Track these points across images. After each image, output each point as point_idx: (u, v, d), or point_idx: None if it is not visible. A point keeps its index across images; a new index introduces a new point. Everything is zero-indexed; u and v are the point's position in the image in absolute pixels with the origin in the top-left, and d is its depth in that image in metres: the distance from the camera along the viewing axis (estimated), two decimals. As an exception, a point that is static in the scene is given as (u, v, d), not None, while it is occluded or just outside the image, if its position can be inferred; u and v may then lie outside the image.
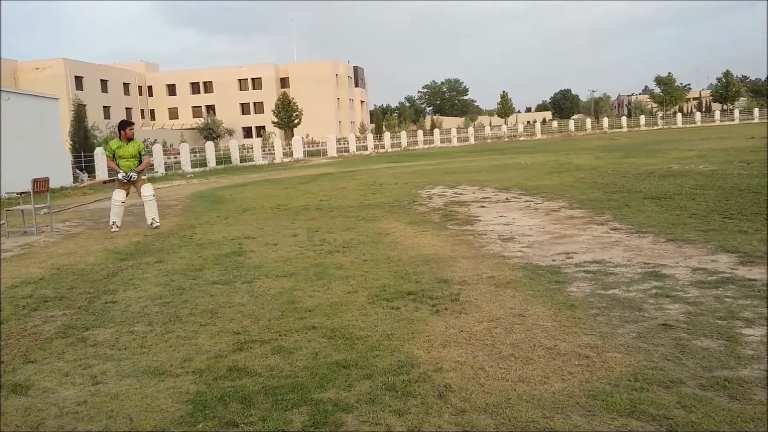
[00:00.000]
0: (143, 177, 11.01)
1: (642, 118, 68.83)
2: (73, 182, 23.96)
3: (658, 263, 5.87)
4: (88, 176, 26.00)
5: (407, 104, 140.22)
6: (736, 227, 7.27)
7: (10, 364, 4.13)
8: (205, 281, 6.22)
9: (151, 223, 10.53)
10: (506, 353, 3.82)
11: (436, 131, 59.22)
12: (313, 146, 51.59)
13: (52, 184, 12.65)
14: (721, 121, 67.17)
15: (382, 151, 48.82)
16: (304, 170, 27.55)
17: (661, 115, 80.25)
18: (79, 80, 64.72)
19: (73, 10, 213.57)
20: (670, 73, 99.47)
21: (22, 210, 11.11)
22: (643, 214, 8.68)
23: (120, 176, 10.58)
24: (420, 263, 6.48)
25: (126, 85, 74.91)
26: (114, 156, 10.65)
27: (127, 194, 10.69)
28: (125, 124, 10.85)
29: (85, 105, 33.05)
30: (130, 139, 10.68)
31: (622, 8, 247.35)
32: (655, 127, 63.66)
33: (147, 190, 10.64)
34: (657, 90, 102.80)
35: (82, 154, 27.52)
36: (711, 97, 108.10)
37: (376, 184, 16.37)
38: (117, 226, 10.47)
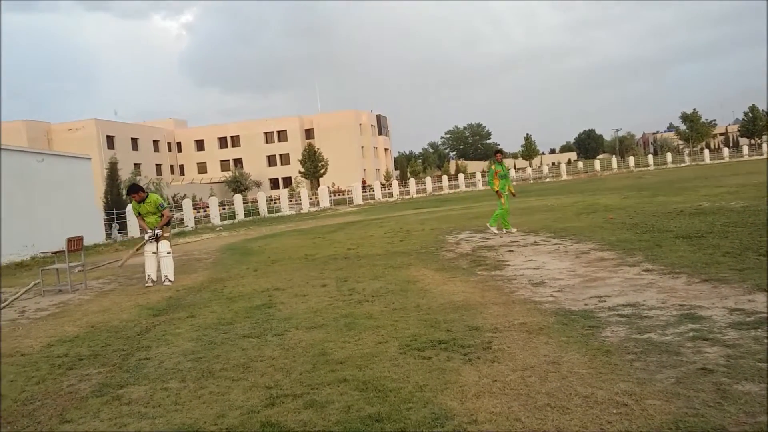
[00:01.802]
0: (167, 234, 11.14)
1: (669, 156, 68.28)
2: (106, 239, 24.42)
3: (694, 305, 5.77)
4: (120, 233, 26.48)
5: (431, 150, 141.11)
6: (773, 265, 7.12)
7: (47, 424, 4.17)
8: (237, 335, 6.25)
9: (164, 280, 10.64)
10: (542, 403, 3.76)
11: (461, 176, 59.37)
12: (339, 195, 52.03)
13: (86, 242, 12.91)
14: (749, 155, 66.31)
15: (407, 197, 49.02)
16: (331, 219, 27.73)
17: (687, 152, 79.49)
18: (110, 139, 66.66)
19: (104, 74, 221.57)
20: (695, 109, 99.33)
21: (57, 269, 11.34)
22: (675, 254, 8.55)
23: (147, 236, 10.85)
24: (450, 311, 6.44)
25: (156, 142, 76.87)
26: (140, 214, 11.01)
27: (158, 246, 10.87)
28: (131, 191, 11.15)
29: (117, 163, 33.86)
30: (143, 200, 10.90)
31: (633, 49, 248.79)
32: (683, 165, 62.99)
33: (163, 246, 10.81)
34: (682, 127, 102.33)
35: (115, 211, 28.10)
36: (738, 132, 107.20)
37: (402, 231, 16.39)
38: (152, 281, 10.61)
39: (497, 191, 14.00)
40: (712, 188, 21.26)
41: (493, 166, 14.39)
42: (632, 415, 3.45)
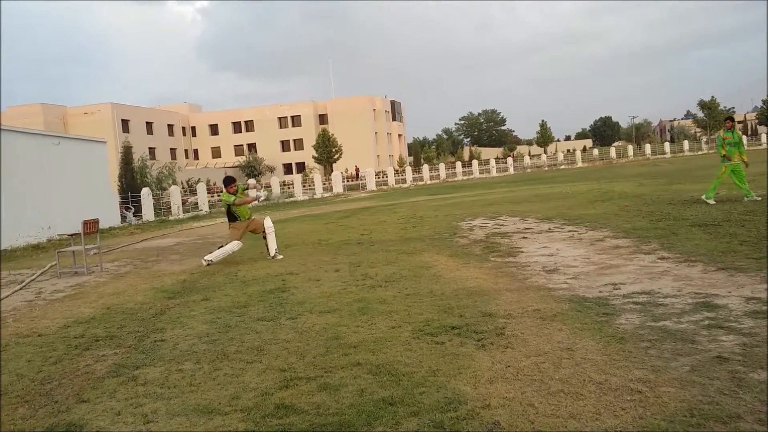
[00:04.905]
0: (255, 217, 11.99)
1: (686, 144, 67.56)
2: (121, 222, 24.60)
3: (710, 293, 5.72)
4: (135, 216, 26.64)
5: (445, 136, 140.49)
6: (790, 254, 7.04)
7: (64, 404, 4.22)
8: (251, 318, 6.29)
9: (274, 255, 10.93)
10: (555, 389, 3.76)
11: (475, 162, 59.06)
12: (352, 180, 52.02)
13: (101, 225, 13.01)
14: (768, 143, 65.50)
15: (420, 183, 48.92)
16: (344, 205, 27.75)
17: (705, 139, 78.58)
18: (125, 123, 66.98)
19: (119, 59, 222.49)
20: (713, 97, 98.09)
21: (73, 251, 11.45)
22: (691, 242, 8.48)
23: (261, 196, 12.94)
24: (463, 296, 6.44)
25: (170, 127, 77.14)
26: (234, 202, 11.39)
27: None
28: (227, 182, 11.61)
29: (131, 147, 34.02)
30: (235, 193, 11.47)
31: (650, 35, 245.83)
32: (700, 152, 62.32)
33: (268, 222, 11.47)
34: (700, 114, 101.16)
35: (129, 195, 28.28)
36: (756, 120, 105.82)
37: (416, 217, 16.38)
38: (209, 263, 10.75)
39: (724, 155, 14.08)
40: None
41: (721, 133, 14.49)
42: (646, 402, 3.44)
